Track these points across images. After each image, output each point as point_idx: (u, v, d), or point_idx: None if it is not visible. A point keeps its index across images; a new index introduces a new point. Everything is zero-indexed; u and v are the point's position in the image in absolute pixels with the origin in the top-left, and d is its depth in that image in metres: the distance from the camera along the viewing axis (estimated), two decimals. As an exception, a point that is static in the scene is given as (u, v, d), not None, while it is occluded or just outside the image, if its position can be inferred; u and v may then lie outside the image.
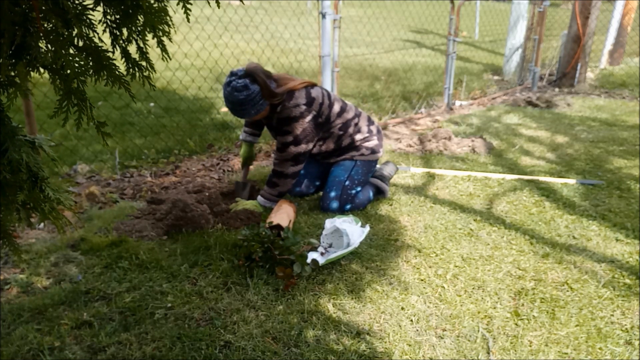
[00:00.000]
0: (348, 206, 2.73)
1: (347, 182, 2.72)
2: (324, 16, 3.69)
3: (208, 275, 2.07)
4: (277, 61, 6.65)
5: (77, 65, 1.12)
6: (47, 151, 1.31)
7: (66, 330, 1.71)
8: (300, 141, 2.61)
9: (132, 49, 1.26)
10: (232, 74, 2.49)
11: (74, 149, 3.55)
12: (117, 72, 1.22)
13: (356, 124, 2.79)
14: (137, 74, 1.26)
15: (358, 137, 2.79)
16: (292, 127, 2.58)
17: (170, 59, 1.31)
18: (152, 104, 4.76)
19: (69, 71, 1.13)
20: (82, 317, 1.77)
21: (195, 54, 5.35)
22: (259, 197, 2.75)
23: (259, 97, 2.49)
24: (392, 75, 6.80)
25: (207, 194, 2.79)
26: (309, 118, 2.59)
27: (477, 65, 7.99)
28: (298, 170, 2.70)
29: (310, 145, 2.67)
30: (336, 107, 2.72)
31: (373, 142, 2.83)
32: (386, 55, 8.52)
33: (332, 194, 2.71)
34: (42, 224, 2.52)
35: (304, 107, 2.56)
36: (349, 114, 2.77)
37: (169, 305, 1.87)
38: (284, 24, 9.31)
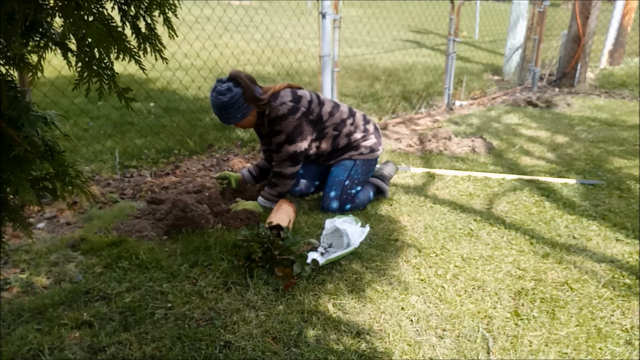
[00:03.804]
0: (348, 206, 2.73)
1: (346, 182, 2.72)
2: (324, 16, 3.69)
3: (208, 275, 2.07)
4: (277, 61, 6.65)
5: (97, 33, 1.14)
6: (59, 127, 1.33)
7: (66, 330, 1.71)
8: (293, 139, 2.62)
9: (142, 27, 1.29)
10: (217, 80, 2.57)
11: (74, 149, 3.55)
12: (127, 45, 1.23)
13: (352, 124, 2.79)
14: (149, 48, 1.28)
15: (355, 136, 2.79)
16: (283, 126, 2.59)
17: (177, 36, 1.34)
18: (152, 104, 4.76)
19: (90, 40, 1.15)
20: (82, 317, 1.77)
21: (195, 54, 5.35)
22: (259, 198, 2.75)
23: (243, 100, 2.54)
24: (392, 75, 6.80)
25: (207, 194, 2.79)
26: (298, 115, 2.60)
27: (477, 65, 7.99)
28: (296, 170, 2.70)
29: (305, 144, 2.67)
30: (327, 107, 2.73)
31: (371, 141, 2.83)
32: (386, 55, 8.52)
33: (332, 193, 2.71)
34: (42, 224, 2.52)
35: (290, 104, 2.58)
36: (342, 114, 2.77)
37: (169, 305, 1.87)
38: (284, 24, 9.31)
